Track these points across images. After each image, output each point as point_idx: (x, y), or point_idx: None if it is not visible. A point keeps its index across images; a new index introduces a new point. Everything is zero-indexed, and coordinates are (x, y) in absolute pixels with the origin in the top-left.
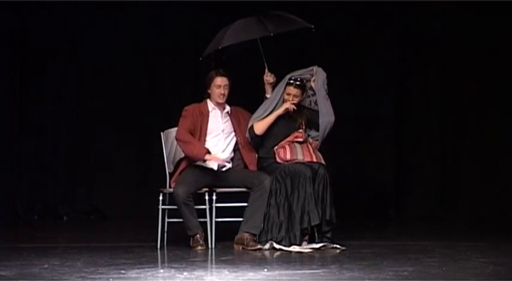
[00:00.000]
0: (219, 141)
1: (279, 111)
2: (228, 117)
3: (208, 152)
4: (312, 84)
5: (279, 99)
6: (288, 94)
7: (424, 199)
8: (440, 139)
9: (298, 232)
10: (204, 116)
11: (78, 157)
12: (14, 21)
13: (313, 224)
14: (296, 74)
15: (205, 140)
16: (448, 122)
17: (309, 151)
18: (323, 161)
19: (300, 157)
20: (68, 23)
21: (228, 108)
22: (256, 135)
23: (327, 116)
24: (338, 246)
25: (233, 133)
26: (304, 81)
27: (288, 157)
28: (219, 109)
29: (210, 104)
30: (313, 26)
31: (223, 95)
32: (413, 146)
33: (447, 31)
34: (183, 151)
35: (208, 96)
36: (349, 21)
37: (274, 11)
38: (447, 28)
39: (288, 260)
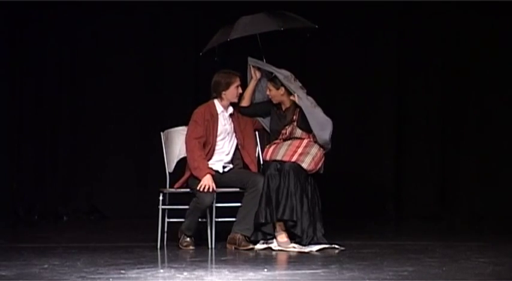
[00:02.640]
0: (225, 143)
1: (252, 80)
2: (231, 119)
3: (209, 173)
4: (295, 99)
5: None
6: (267, 87)
7: (424, 198)
8: (440, 139)
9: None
10: (214, 118)
11: (78, 157)
12: (14, 21)
13: (255, 222)
14: (259, 63)
15: (216, 143)
16: (448, 122)
17: (294, 150)
18: (304, 163)
19: (278, 158)
20: (67, 23)
21: (231, 109)
22: (244, 108)
23: (320, 132)
24: (337, 246)
25: (234, 134)
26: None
27: (268, 157)
28: (226, 111)
29: (219, 106)
30: (317, 26)
31: (240, 94)
32: (413, 146)
33: (447, 31)
34: (187, 155)
35: (217, 97)
36: (349, 21)
37: (277, 10)
38: (447, 28)
39: (288, 260)
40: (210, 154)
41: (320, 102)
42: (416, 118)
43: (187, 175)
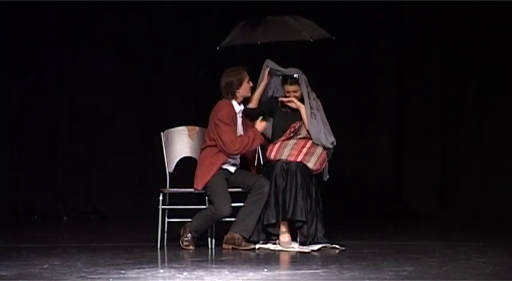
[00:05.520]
0: None
1: (263, 82)
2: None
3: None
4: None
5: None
6: (288, 92)
7: (424, 198)
8: (441, 139)
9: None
10: (235, 118)
11: (78, 157)
12: (14, 21)
13: (265, 223)
14: (277, 68)
15: None
16: (448, 122)
17: (299, 150)
18: (309, 163)
19: (283, 157)
20: (68, 23)
21: (242, 107)
22: (252, 109)
23: (315, 134)
24: (337, 246)
25: (242, 133)
26: (297, 75)
27: (272, 156)
28: (240, 109)
29: (237, 106)
30: (333, 37)
31: (252, 87)
32: (413, 146)
33: (447, 31)
34: (248, 152)
35: (232, 97)
36: (349, 21)
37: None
38: (447, 28)
39: (288, 260)
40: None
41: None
42: (416, 118)
43: (209, 175)
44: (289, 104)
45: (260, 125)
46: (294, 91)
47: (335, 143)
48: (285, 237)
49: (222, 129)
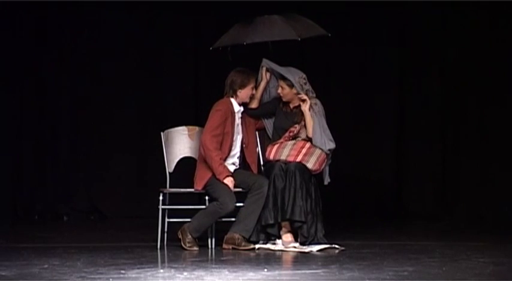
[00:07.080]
0: (237, 142)
1: (262, 81)
2: (240, 118)
3: (229, 176)
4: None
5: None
6: (280, 86)
7: (424, 198)
8: (440, 139)
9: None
10: (233, 116)
11: (78, 157)
12: (13, 22)
13: (264, 224)
14: (274, 67)
15: (233, 142)
16: (448, 122)
17: (299, 150)
18: (309, 163)
19: (283, 158)
20: (68, 23)
21: (242, 108)
22: (254, 109)
23: (313, 135)
24: (337, 246)
25: (241, 133)
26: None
27: (271, 157)
28: (239, 110)
29: (236, 105)
30: (330, 34)
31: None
32: (413, 146)
33: (447, 31)
34: (204, 156)
35: (232, 95)
36: (349, 21)
37: (291, 13)
38: (447, 28)
39: (288, 260)
40: (228, 152)
41: (320, 102)
42: (416, 118)
43: (208, 175)
44: (302, 103)
45: (230, 183)
46: (282, 87)
47: (332, 150)
48: (287, 237)
49: (212, 115)
